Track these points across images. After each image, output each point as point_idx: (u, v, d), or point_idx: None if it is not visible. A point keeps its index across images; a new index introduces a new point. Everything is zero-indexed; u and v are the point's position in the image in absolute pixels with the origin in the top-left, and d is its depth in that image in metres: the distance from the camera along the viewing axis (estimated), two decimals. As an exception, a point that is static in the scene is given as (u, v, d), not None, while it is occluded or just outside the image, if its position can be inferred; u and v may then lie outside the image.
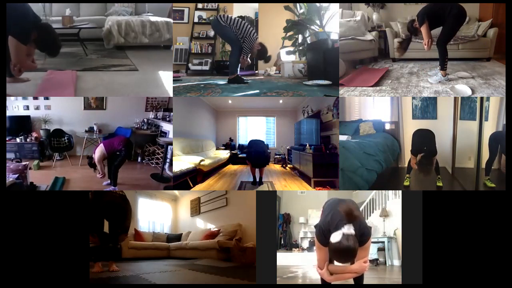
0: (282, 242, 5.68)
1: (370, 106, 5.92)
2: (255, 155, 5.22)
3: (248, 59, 5.31)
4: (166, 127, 5.82)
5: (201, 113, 8.24)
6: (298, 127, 8.25)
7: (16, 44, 3.65)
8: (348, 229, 2.18)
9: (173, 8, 6.81)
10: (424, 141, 4.14)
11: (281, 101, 8.67)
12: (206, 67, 6.95)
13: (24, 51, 3.75)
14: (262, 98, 6.33)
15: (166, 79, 4.57)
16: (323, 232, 2.29)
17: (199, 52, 7.11)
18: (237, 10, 7.12)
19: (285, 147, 8.81)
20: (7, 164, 3.84)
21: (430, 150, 4.07)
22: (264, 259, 3.34)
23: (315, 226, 2.41)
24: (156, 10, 6.46)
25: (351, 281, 2.56)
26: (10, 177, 3.84)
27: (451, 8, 4.03)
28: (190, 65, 6.97)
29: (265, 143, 5.63)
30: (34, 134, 5.78)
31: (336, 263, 2.46)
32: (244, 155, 6.40)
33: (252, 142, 5.36)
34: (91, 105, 6.14)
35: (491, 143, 3.98)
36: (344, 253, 2.15)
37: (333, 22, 5.48)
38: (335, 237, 2.17)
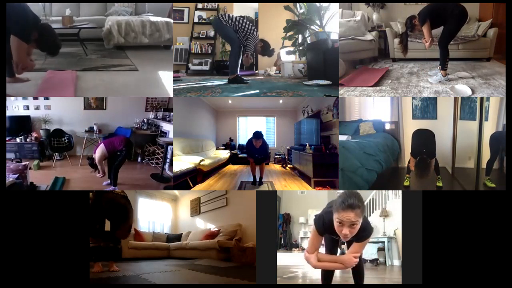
0: (282, 242, 5.68)
1: (370, 106, 5.92)
2: (254, 149, 5.25)
3: (251, 57, 5.31)
4: (166, 127, 5.82)
5: (201, 113, 8.24)
6: (298, 127, 8.25)
7: (18, 43, 3.67)
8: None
9: (173, 8, 6.81)
10: (424, 142, 4.13)
11: (281, 101, 8.67)
12: (206, 67, 6.95)
13: (25, 50, 3.77)
14: (262, 98, 6.33)
15: (166, 79, 4.57)
16: (323, 220, 2.30)
17: (199, 52, 7.11)
18: (237, 10, 7.12)
19: (285, 147, 8.82)
20: (7, 164, 3.84)
21: (429, 151, 4.05)
22: (264, 259, 3.34)
23: (316, 215, 2.43)
24: (156, 10, 6.46)
25: (352, 281, 2.56)
26: (10, 177, 3.84)
27: (453, 8, 4.03)
28: (190, 65, 6.97)
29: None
30: (34, 134, 5.78)
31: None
32: (245, 155, 6.39)
33: (250, 139, 5.38)
34: (91, 105, 6.15)
35: (492, 142, 3.97)
36: (349, 195, 2.12)
37: (333, 22, 5.47)
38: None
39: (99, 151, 4.43)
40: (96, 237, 3.36)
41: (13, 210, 3.21)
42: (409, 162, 4.29)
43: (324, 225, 2.30)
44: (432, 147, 4.10)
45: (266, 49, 5.37)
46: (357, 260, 2.36)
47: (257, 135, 5.26)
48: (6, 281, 3.09)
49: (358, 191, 2.25)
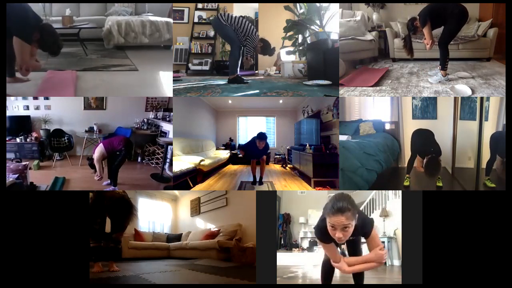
0: (282, 242, 5.68)
1: (370, 106, 5.92)
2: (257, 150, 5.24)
3: (251, 58, 5.31)
4: (166, 127, 5.82)
5: (201, 113, 8.24)
6: (298, 127, 8.25)
7: (20, 44, 3.66)
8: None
9: (173, 8, 6.81)
10: (426, 141, 4.12)
11: (281, 101, 8.67)
12: (206, 67, 6.95)
13: (29, 51, 3.77)
14: (262, 98, 6.33)
15: (166, 79, 4.57)
16: (320, 229, 2.30)
17: (199, 52, 7.11)
18: (237, 10, 7.12)
19: (285, 147, 8.81)
20: (7, 164, 3.84)
21: (436, 150, 4.04)
22: (264, 259, 3.34)
23: (314, 227, 2.42)
24: (156, 10, 6.46)
25: (352, 281, 2.56)
26: (10, 177, 3.84)
27: (452, 8, 4.03)
28: (190, 65, 6.97)
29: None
30: (34, 134, 5.77)
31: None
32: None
33: (253, 139, 5.36)
34: (91, 105, 6.15)
35: (493, 142, 3.96)
36: (338, 198, 2.13)
37: (333, 22, 5.47)
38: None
39: (97, 151, 4.43)
40: (98, 236, 3.36)
41: (13, 210, 3.21)
42: (410, 163, 4.28)
43: (322, 233, 2.29)
44: (436, 146, 4.09)
45: (266, 48, 5.36)
46: (385, 251, 2.36)
47: (262, 136, 5.17)
48: (6, 281, 3.09)
49: (348, 193, 2.24)
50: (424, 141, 4.11)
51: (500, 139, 3.86)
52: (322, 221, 2.27)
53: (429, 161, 3.86)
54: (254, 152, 5.26)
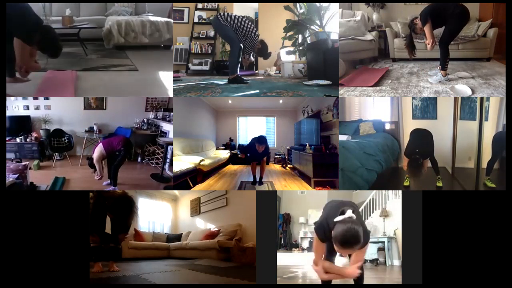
0: (282, 242, 5.68)
1: (370, 106, 5.92)
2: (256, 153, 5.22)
3: (251, 57, 5.31)
4: (166, 127, 5.82)
5: (201, 113, 8.24)
6: (298, 127, 8.25)
7: (21, 45, 3.66)
8: (350, 213, 2.19)
9: (173, 8, 6.82)
10: (421, 142, 4.12)
11: (281, 101, 8.68)
12: (206, 67, 6.95)
13: (28, 52, 3.76)
14: (262, 98, 6.34)
15: (166, 79, 4.57)
16: (322, 227, 2.30)
17: (199, 52, 7.12)
18: (237, 10, 7.12)
19: (285, 147, 8.82)
20: (7, 164, 3.84)
21: (423, 152, 4.03)
22: (264, 259, 3.34)
23: (315, 223, 2.42)
24: (156, 10, 6.47)
25: (351, 281, 2.56)
26: (10, 177, 3.84)
27: (454, 8, 4.02)
28: (190, 65, 6.97)
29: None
30: (34, 134, 5.78)
31: (338, 258, 2.47)
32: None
33: (253, 141, 5.35)
34: (91, 105, 6.15)
35: (496, 142, 3.96)
36: (349, 236, 2.09)
37: (333, 22, 5.47)
38: (338, 218, 2.17)
39: (97, 151, 4.43)
40: (101, 236, 3.36)
41: (13, 210, 3.21)
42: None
43: (325, 233, 2.29)
44: (427, 148, 4.08)
45: (263, 50, 5.35)
46: (360, 270, 2.35)
47: (262, 140, 5.06)
48: (6, 281, 3.09)
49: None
50: (419, 142, 4.11)
51: (502, 139, 3.86)
52: (329, 223, 2.25)
53: (410, 162, 3.88)
54: (254, 155, 5.24)
